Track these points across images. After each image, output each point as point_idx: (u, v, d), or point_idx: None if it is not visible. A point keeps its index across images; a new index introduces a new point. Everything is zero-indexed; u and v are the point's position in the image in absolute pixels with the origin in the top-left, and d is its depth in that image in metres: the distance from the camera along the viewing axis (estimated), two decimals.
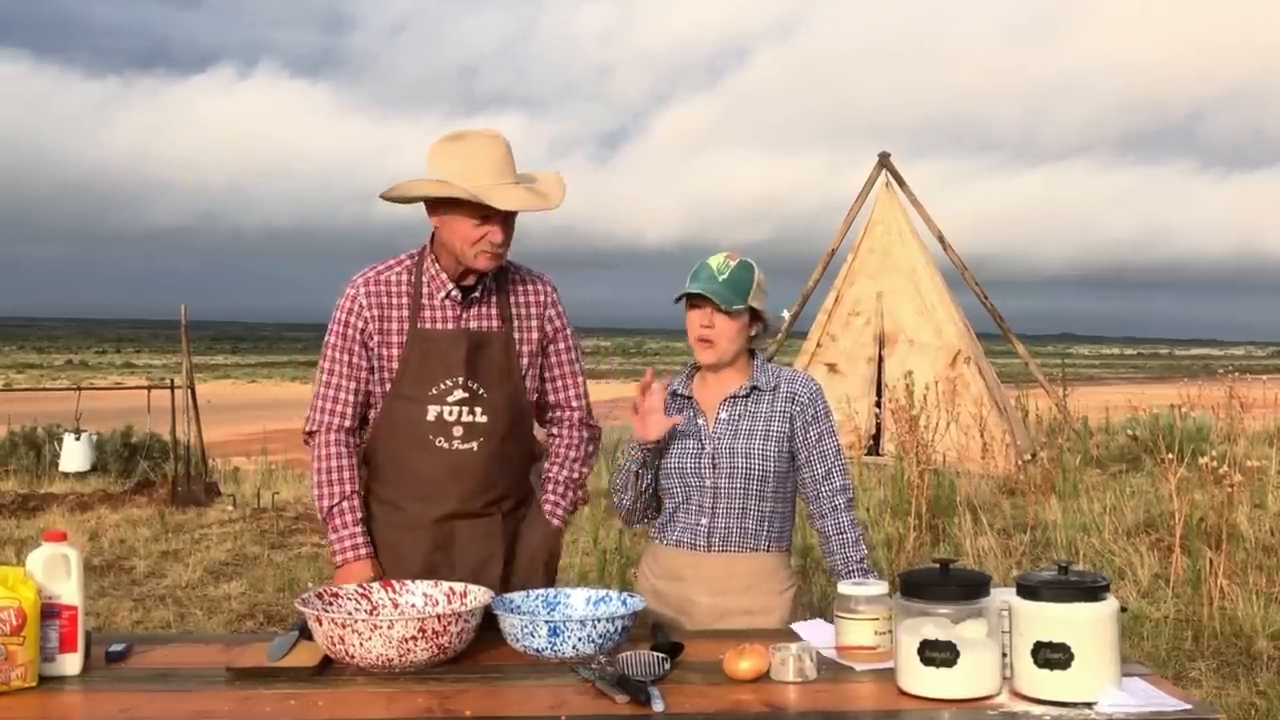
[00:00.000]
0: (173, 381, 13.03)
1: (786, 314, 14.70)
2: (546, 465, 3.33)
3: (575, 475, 3.32)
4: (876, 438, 13.51)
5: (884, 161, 14.95)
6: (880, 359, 14.19)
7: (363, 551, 3.12)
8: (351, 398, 3.16)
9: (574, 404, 3.33)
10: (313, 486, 3.18)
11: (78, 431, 13.68)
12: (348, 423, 3.17)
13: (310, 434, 3.20)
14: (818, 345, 14.53)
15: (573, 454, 3.32)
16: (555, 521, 3.29)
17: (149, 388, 14.08)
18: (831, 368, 14.32)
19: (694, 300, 3.08)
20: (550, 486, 3.30)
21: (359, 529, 3.14)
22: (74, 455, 13.57)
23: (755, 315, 3.12)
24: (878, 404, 13.08)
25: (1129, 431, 12.46)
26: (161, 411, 13.09)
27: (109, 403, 16.27)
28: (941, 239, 15.06)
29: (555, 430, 3.34)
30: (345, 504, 3.14)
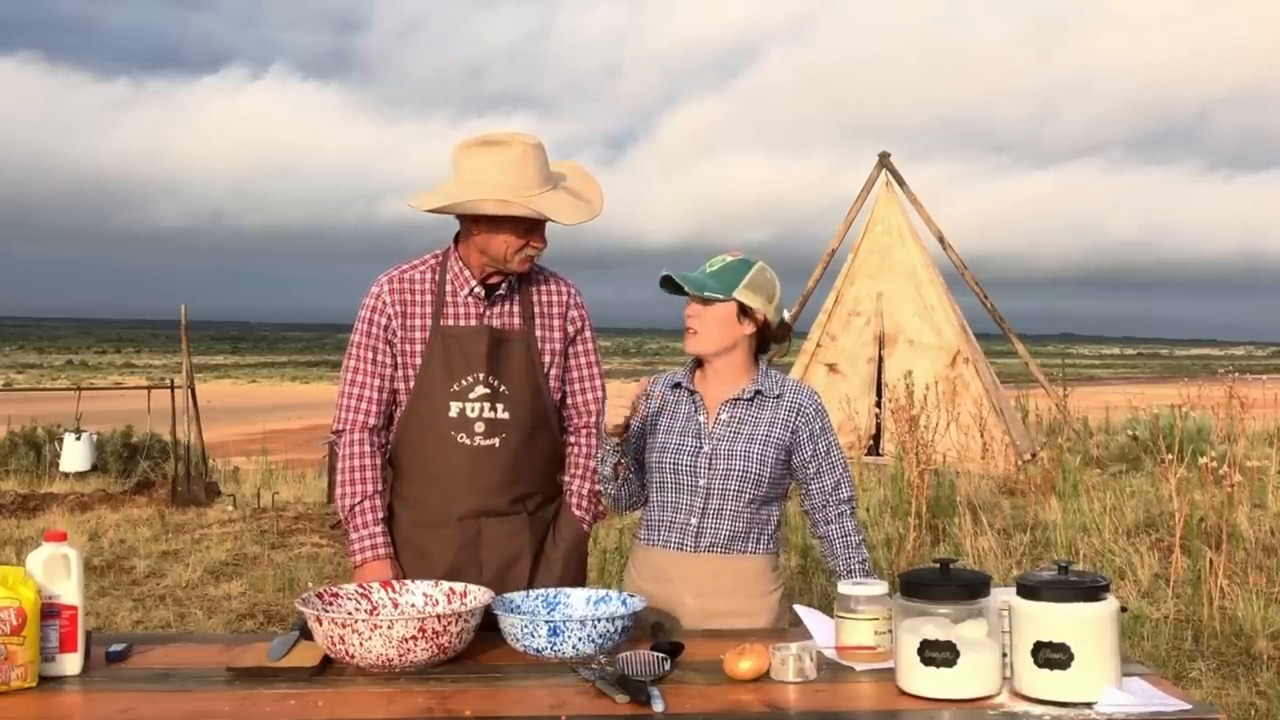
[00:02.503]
0: (173, 381, 13.04)
1: (786, 314, 14.71)
2: (567, 478, 3.29)
3: (598, 488, 3.26)
4: (876, 438, 13.51)
5: (884, 161, 14.94)
6: (880, 359, 14.19)
7: (381, 551, 3.12)
8: (376, 395, 3.16)
9: (592, 409, 3.29)
10: (336, 486, 3.17)
11: (78, 431, 13.69)
12: (372, 420, 3.16)
13: (337, 433, 3.20)
14: (818, 345, 14.52)
15: (593, 464, 3.27)
16: (584, 528, 3.28)
17: (149, 388, 14.09)
18: (831, 368, 14.32)
19: (686, 292, 3.07)
20: (574, 500, 3.27)
21: (379, 529, 3.13)
22: (74, 455, 13.58)
23: (745, 311, 3.05)
24: (878, 404, 13.07)
25: (1129, 431, 12.46)
26: (161, 411, 13.10)
27: (109, 403, 16.29)
28: (941, 239, 15.06)
29: (573, 439, 3.30)
30: (366, 503, 3.13)
